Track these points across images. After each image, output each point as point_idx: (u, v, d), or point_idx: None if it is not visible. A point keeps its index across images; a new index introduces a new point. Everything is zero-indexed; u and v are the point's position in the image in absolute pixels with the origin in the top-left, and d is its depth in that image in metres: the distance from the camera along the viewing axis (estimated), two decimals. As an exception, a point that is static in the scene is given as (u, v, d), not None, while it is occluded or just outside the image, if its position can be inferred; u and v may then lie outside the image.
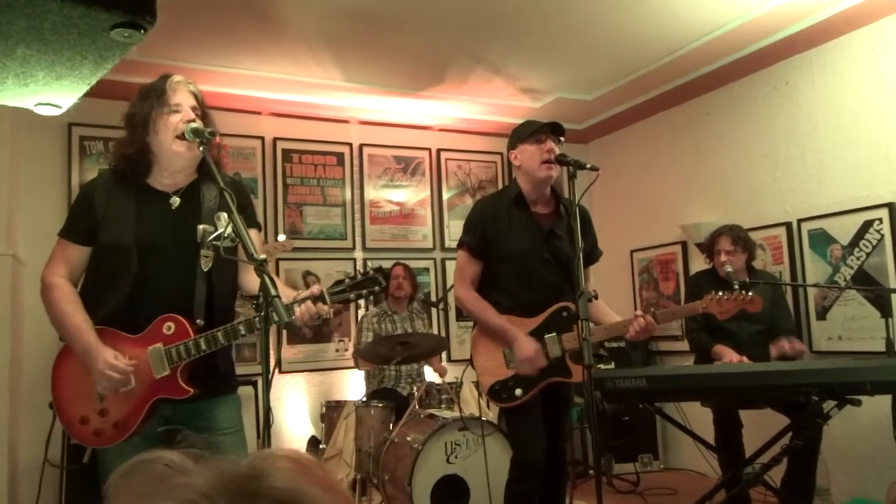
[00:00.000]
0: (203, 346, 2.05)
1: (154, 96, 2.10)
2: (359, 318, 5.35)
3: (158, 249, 2.11)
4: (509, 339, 2.84)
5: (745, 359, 3.67)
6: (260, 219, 5.17)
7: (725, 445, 3.69)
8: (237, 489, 0.51)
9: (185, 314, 2.09)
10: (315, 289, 2.04)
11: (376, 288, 2.07)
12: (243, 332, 2.05)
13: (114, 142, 2.21)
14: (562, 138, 2.93)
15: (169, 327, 2.06)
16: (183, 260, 2.13)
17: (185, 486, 0.51)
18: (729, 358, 3.68)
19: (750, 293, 2.78)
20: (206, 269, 2.13)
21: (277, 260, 5.14)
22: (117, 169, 2.16)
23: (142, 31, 1.21)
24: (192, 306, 2.10)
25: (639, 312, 2.76)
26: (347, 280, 2.08)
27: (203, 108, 2.18)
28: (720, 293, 2.80)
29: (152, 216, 2.14)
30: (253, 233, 2.12)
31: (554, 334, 2.85)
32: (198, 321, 2.10)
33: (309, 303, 2.01)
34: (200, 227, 2.08)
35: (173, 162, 2.13)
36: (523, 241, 2.89)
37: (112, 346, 2.04)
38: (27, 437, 4.13)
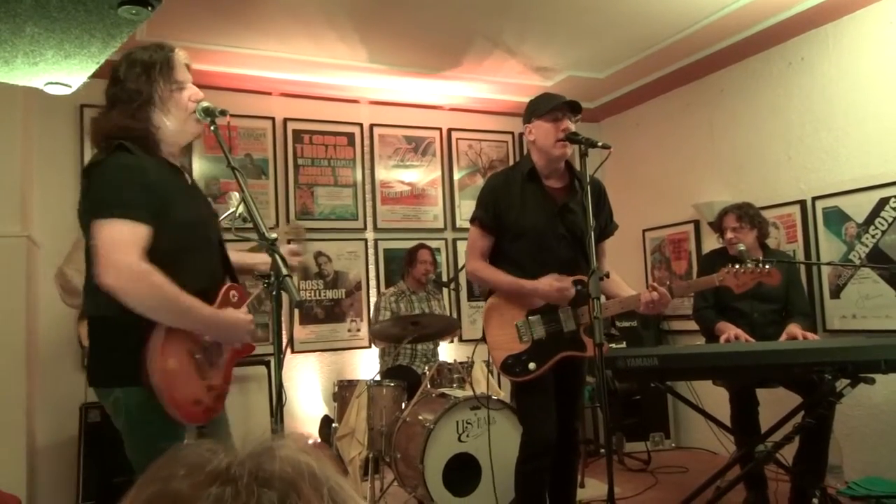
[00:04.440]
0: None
1: (157, 71, 1.99)
2: (372, 299, 5.37)
3: (204, 223, 2.13)
4: (527, 291, 2.80)
5: (744, 334, 3.64)
6: (271, 199, 5.22)
7: (741, 424, 3.66)
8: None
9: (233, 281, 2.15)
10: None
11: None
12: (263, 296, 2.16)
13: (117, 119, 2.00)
14: (578, 116, 2.89)
15: (234, 295, 2.09)
16: (213, 231, 2.16)
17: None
18: (730, 333, 3.65)
19: (767, 266, 2.76)
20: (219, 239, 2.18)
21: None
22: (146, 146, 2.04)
23: (149, 9, 1.21)
24: (233, 273, 2.17)
25: (653, 284, 2.74)
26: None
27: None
28: (737, 266, 2.78)
29: (186, 191, 2.11)
30: None
31: (568, 308, 2.83)
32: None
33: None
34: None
35: (179, 140, 2.09)
36: (537, 216, 2.86)
37: None
38: (43, 417, 4.20)
